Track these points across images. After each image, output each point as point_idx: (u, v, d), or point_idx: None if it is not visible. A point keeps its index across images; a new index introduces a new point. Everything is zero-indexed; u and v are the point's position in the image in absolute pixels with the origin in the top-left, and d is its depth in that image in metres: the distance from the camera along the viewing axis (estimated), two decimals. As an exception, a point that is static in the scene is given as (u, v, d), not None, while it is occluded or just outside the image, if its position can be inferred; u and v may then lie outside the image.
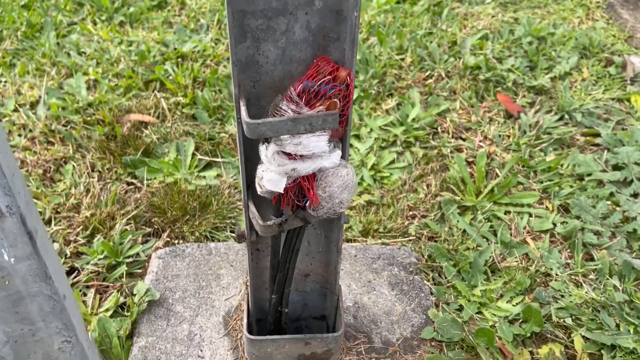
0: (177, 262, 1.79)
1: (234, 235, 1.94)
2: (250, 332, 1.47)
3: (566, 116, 2.51)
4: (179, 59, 2.70)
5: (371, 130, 2.39)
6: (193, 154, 2.22)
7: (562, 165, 2.26)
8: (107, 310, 1.68)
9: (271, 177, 1.13)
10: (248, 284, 1.48)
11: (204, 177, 2.13)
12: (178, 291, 1.70)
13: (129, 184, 2.10)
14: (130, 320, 1.61)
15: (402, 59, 2.78)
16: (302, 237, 1.29)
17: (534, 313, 1.69)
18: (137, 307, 1.63)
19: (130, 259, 1.83)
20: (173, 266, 1.77)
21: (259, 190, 1.16)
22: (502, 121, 2.47)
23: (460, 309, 1.76)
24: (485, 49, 2.91)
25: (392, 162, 2.26)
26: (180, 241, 1.90)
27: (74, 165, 2.14)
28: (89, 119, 2.31)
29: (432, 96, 2.57)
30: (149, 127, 2.30)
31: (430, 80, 2.66)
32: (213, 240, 1.91)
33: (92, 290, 1.74)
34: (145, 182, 2.10)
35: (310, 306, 1.63)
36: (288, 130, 1.02)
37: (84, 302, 1.72)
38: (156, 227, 1.95)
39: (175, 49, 2.76)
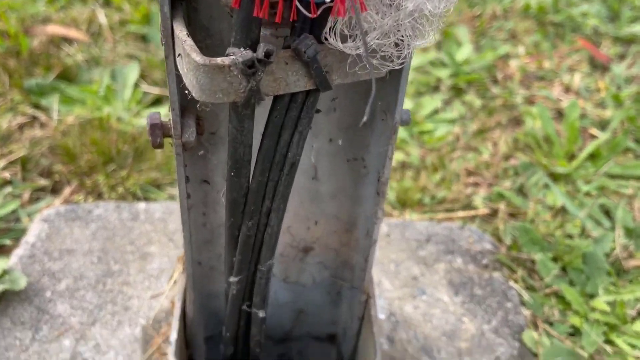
0: (76, 230, 1.01)
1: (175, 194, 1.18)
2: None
3: (674, 72, 1.78)
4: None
5: (402, 72, 1.65)
6: (136, 85, 1.46)
7: (683, 131, 1.52)
8: None
9: None
10: (185, 261, 0.70)
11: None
12: (67, 278, 0.93)
13: (29, 116, 1.34)
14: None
15: (441, -4, 2.06)
16: (306, 130, 0.52)
17: None
18: (-23, 302, 0.86)
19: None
20: (67, 235, 1.00)
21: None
22: (587, 71, 1.74)
23: (575, 332, 0.99)
24: (546, -5, 2.20)
25: (436, 112, 1.51)
26: (94, 200, 1.13)
27: (-53, 88, 1.37)
28: (-14, 29, 1.55)
29: (486, 38, 1.84)
30: (74, 44, 1.55)
31: (481, 20, 1.93)
32: (147, 201, 1.14)
33: None
34: (54, 114, 1.33)
35: (308, 315, 0.86)
36: None
37: None
38: (57, 179, 1.18)
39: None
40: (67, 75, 1.45)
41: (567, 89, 1.66)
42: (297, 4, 0.43)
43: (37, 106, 1.36)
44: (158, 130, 0.56)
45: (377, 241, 0.71)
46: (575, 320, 1.00)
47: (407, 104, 1.50)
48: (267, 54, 0.44)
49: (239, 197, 0.55)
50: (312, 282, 0.81)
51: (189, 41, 0.46)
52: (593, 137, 1.48)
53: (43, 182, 1.17)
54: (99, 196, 1.14)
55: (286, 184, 0.55)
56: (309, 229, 0.75)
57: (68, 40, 1.55)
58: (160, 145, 0.57)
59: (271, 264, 0.61)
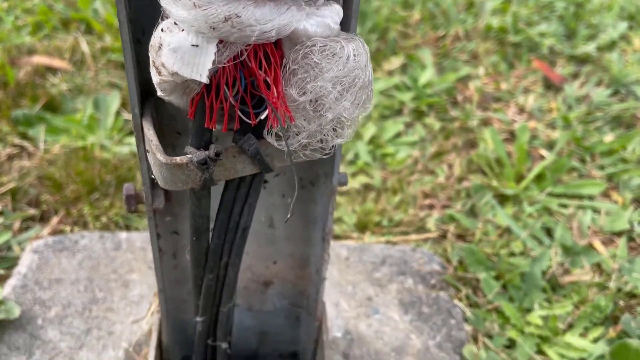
0: (63, 260, 1.12)
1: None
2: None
3: (622, 91, 1.91)
4: None
5: (368, 95, 1.76)
6: (117, 113, 1.56)
7: (625, 149, 1.65)
8: (-64, 334, 1.00)
9: (180, 43, 0.48)
10: (159, 298, 0.82)
11: (129, 144, 1.48)
12: (56, 306, 1.04)
13: (17, 146, 1.43)
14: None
15: (409, 16, 2.17)
16: (255, 202, 0.64)
17: (631, 355, 1.06)
18: (-24, 331, 0.96)
19: (-7, 254, 1.16)
20: (55, 265, 1.11)
21: (156, 78, 0.52)
22: (541, 92, 1.86)
23: (511, 344, 1.12)
24: (507, 14, 2.32)
25: (398, 135, 1.63)
26: (80, 229, 1.24)
27: (-61, 120, 1.47)
28: (-26, 60, 1.64)
29: (449, 59, 1.96)
30: (59, 74, 1.64)
31: (445, 41, 2.05)
32: (128, 229, 1.25)
33: None
34: (41, 145, 1.43)
35: (272, 336, 0.98)
36: None
37: None
38: (45, 208, 1.29)
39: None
40: (52, 105, 1.55)
41: (521, 110, 1.78)
42: (240, 114, 0.55)
43: (24, 136, 1.46)
44: (133, 200, 0.67)
45: (326, 278, 0.83)
46: (512, 333, 1.13)
47: (371, 128, 1.62)
48: (217, 154, 0.56)
49: (200, 256, 0.66)
50: (273, 308, 0.93)
51: (155, 141, 0.57)
52: (543, 157, 1.61)
53: (32, 211, 1.28)
54: (84, 225, 1.25)
55: (240, 243, 0.66)
56: (267, 267, 0.86)
57: (52, 70, 1.64)
58: (135, 211, 0.68)
59: (230, 305, 0.72)
